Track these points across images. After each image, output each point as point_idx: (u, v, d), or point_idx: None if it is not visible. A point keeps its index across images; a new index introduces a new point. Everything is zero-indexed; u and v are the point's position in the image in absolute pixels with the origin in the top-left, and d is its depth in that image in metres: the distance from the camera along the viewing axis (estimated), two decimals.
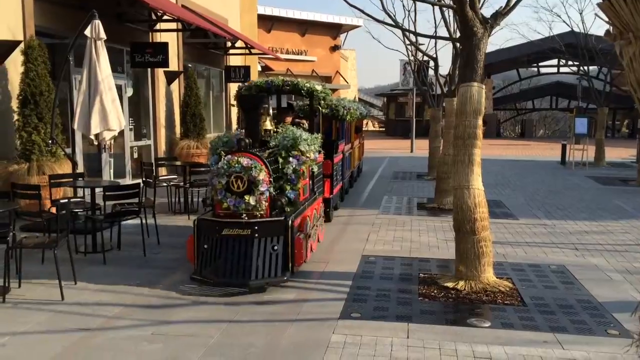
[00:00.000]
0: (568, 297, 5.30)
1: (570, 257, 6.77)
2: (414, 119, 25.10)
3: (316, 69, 36.58)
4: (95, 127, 7.23)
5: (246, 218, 5.42)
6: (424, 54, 12.95)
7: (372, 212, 9.65)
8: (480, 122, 5.60)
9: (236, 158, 5.44)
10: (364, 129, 53.27)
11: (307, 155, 6.13)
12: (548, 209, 10.08)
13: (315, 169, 6.97)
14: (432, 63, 13.66)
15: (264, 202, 5.46)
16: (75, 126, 7.50)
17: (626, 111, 37.80)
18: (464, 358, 3.98)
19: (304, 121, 7.89)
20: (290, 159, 5.97)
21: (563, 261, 6.55)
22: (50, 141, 7.97)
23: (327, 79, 37.05)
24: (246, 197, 5.40)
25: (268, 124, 6.44)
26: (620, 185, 13.65)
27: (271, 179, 5.57)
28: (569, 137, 19.21)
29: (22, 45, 8.32)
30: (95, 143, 7.28)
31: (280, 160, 5.97)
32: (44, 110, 8.19)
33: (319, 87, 7.57)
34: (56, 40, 9.88)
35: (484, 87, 5.68)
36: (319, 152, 6.99)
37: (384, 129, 45.08)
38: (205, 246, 5.49)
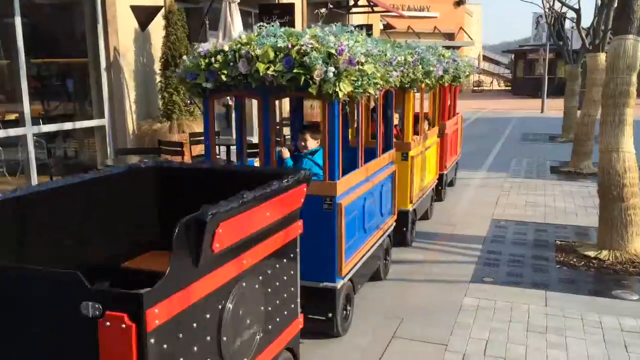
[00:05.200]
0: None
1: None
2: (546, 77, 23.42)
3: (438, 26, 35.28)
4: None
5: None
6: (563, 4, 11.94)
7: (500, 175, 9.25)
8: (634, 79, 5.10)
9: None
10: (486, 87, 49.97)
11: None
12: None
13: None
14: (571, 14, 12.58)
15: None
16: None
17: None
18: (610, 330, 3.75)
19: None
20: None
21: None
22: (188, 101, 8.47)
23: (450, 36, 35.65)
24: None
25: None
26: None
27: None
28: None
29: (162, 10, 8.85)
30: (231, 103, 7.59)
31: None
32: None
33: None
34: (190, 5, 10.37)
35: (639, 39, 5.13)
36: None
37: (510, 88, 42.71)
38: None
